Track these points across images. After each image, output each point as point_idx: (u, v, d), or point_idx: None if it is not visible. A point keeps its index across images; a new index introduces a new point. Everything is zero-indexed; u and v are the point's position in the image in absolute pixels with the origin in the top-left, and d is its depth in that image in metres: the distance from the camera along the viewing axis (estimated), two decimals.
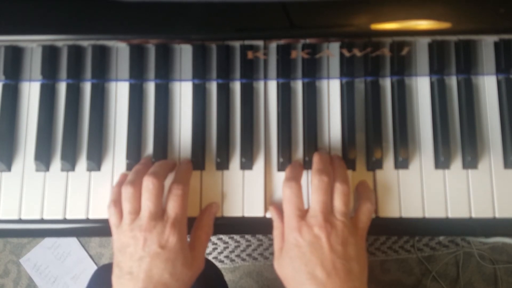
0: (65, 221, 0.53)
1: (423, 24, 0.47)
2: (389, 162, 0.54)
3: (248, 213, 0.53)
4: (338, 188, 0.48)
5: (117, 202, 0.49)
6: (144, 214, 0.47)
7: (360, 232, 0.48)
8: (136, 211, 0.47)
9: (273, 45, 0.51)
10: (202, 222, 0.51)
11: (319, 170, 0.49)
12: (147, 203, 0.47)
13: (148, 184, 0.47)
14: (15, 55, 0.52)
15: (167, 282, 0.45)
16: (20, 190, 0.54)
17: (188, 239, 0.50)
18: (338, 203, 0.47)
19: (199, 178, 0.54)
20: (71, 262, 1.25)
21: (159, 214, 0.47)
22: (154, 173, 0.48)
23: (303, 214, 0.48)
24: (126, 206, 0.48)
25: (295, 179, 0.50)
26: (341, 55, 0.52)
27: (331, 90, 0.56)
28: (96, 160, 0.54)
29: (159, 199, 0.47)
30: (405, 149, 0.53)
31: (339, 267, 0.45)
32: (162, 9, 0.48)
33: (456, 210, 0.52)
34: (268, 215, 0.53)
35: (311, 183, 0.49)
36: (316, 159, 0.51)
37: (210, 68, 0.54)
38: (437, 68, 0.53)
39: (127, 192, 0.48)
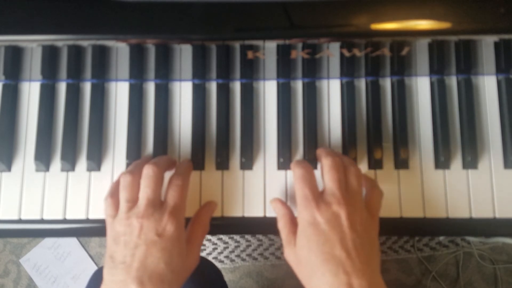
0: (65, 221, 0.53)
1: (423, 24, 0.47)
2: (389, 162, 0.54)
3: (248, 213, 0.53)
4: (351, 169, 0.47)
5: (114, 194, 0.48)
6: (142, 201, 0.46)
7: (375, 218, 0.47)
8: (134, 199, 0.46)
9: (273, 45, 0.51)
10: (200, 218, 0.51)
11: (329, 152, 0.48)
12: (146, 190, 0.46)
13: (148, 171, 0.46)
14: (15, 55, 0.52)
15: (162, 272, 0.44)
16: (20, 190, 0.54)
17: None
18: (354, 183, 0.46)
19: (199, 178, 0.54)
20: (71, 262, 1.25)
21: (157, 202, 0.46)
22: (155, 162, 0.48)
23: (318, 192, 0.46)
24: (124, 194, 0.47)
25: (304, 162, 0.49)
26: (341, 55, 0.52)
27: (331, 90, 0.56)
28: (96, 160, 0.54)
29: (158, 187, 0.47)
30: (405, 149, 0.53)
31: (359, 247, 0.42)
32: (162, 9, 0.48)
33: (456, 210, 0.52)
34: (268, 214, 0.53)
35: (323, 166, 0.47)
36: (321, 149, 0.51)
37: (210, 68, 0.54)
38: (437, 68, 0.53)
39: (125, 180, 0.47)
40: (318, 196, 0.45)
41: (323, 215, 0.44)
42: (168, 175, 0.51)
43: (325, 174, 0.46)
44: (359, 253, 0.42)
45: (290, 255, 0.47)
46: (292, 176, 0.48)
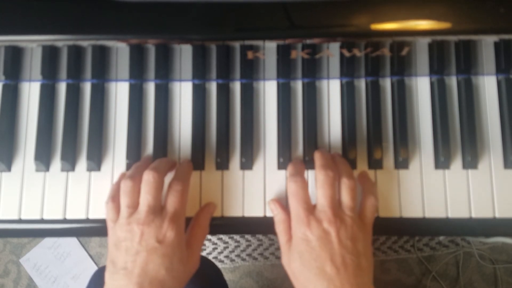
0: (65, 221, 0.53)
1: (423, 24, 0.47)
2: (389, 162, 0.54)
3: (248, 213, 0.53)
4: (345, 183, 0.47)
5: (115, 197, 0.49)
6: (143, 208, 0.46)
7: (367, 227, 0.48)
8: (134, 205, 0.47)
9: (273, 45, 0.51)
10: (199, 220, 0.51)
11: (323, 165, 0.48)
12: (146, 196, 0.46)
13: (148, 177, 0.47)
14: (15, 55, 0.52)
15: (163, 278, 0.44)
16: (20, 190, 0.54)
17: None
18: (346, 198, 0.47)
19: (199, 178, 0.54)
20: (71, 262, 1.25)
21: (158, 208, 0.46)
22: (155, 168, 0.48)
23: (310, 208, 0.47)
24: (124, 199, 0.47)
25: (299, 174, 0.49)
26: (341, 55, 0.52)
27: (331, 90, 0.56)
28: (96, 160, 0.54)
29: (158, 193, 0.47)
30: (405, 149, 0.53)
31: (349, 262, 0.44)
32: (162, 9, 0.48)
33: (456, 210, 0.52)
34: (268, 214, 0.53)
35: (316, 179, 0.48)
36: (317, 156, 0.50)
37: (210, 68, 0.54)
38: (437, 68, 0.53)
39: (126, 185, 0.47)
40: (310, 212, 0.46)
41: (314, 232, 0.45)
42: (168, 176, 0.51)
43: (318, 189, 0.47)
44: (348, 268, 0.44)
45: (285, 264, 0.48)
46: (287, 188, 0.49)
